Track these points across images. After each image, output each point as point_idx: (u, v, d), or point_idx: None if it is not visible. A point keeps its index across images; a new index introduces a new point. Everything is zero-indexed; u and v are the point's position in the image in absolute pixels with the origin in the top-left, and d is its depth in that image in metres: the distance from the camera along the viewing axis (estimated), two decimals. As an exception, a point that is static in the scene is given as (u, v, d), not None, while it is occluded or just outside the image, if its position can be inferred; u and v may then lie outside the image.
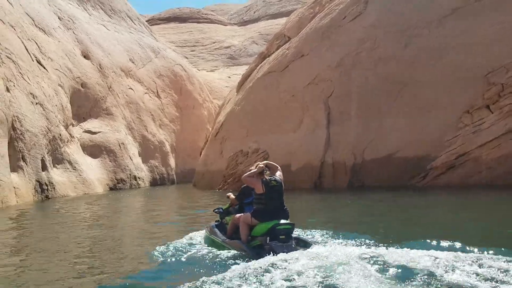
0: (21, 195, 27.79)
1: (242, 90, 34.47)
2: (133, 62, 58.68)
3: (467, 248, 8.05)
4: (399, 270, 6.54)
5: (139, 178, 49.22)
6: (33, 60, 36.20)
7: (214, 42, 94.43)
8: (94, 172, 41.38)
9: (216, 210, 10.29)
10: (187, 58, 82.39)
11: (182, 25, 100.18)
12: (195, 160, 60.16)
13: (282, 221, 8.33)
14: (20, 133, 29.50)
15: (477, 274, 6.29)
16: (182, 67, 66.54)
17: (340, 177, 24.57)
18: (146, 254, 9.71)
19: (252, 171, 8.94)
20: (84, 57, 48.88)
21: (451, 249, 8.05)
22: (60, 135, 35.97)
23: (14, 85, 30.82)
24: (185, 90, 63.81)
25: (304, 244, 8.48)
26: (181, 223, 16.61)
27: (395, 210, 16.53)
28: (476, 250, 7.88)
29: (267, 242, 8.13)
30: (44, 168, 31.84)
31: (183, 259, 8.71)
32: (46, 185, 31.46)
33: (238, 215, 9.14)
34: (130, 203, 28.57)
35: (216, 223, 10.13)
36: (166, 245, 9.95)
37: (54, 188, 32.32)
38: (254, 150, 29.19)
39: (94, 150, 43.99)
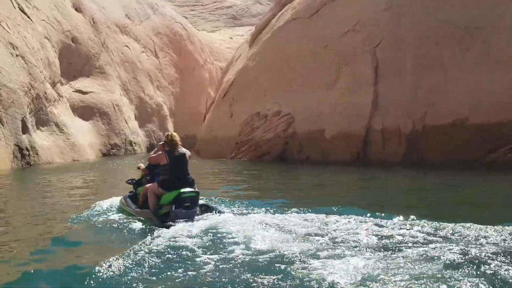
0: (-4, 161, 23.44)
1: (257, 43, 29.84)
2: (129, 18, 54.07)
3: None
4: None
5: (135, 143, 45.07)
6: (14, 7, 31.47)
7: (215, 2, 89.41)
8: (85, 136, 37.01)
9: (129, 181, 10.48)
10: (186, 18, 77.48)
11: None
12: (195, 126, 56.44)
13: (187, 189, 8.59)
14: (-5, 88, 24.98)
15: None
16: (182, 26, 61.86)
17: (392, 148, 19.73)
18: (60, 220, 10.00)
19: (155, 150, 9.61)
20: (76, 9, 44.18)
21: None
22: (46, 93, 31.43)
23: (-11, 32, 26.18)
24: (185, 50, 59.35)
25: (211, 211, 8.78)
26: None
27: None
28: None
29: (173, 210, 8.37)
30: (25, 130, 27.38)
31: (91, 230, 8.71)
32: (27, 150, 27.06)
33: (148, 185, 9.35)
34: (122, 171, 24.21)
35: (130, 194, 10.23)
36: (76, 212, 10.01)
37: (37, 154, 27.94)
38: (275, 112, 24.73)
39: (85, 111, 39.74)
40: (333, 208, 9.19)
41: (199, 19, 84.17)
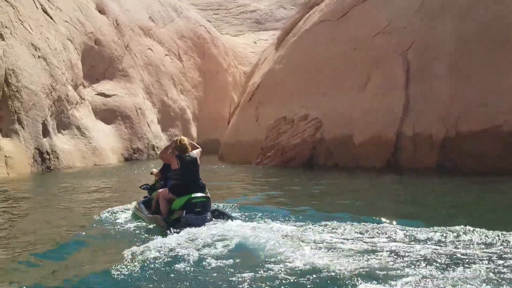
0: (15, 165, 22.83)
1: (283, 46, 28.82)
2: (153, 21, 53.49)
3: None
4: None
5: (157, 148, 44.22)
6: (37, 8, 30.99)
7: (239, 6, 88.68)
8: (107, 140, 36.38)
9: (143, 187, 10.43)
10: (210, 21, 76.92)
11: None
12: (218, 130, 55.64)
13: (198, 194, 8.49)
14: (15, 89, 24.41)
15: None
16: (206, 29, 61.18)
17: (425, 155, 18.39)
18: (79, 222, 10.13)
19: (166, 146, 9.44)
20: (99, 11, 43.67)
21: None
22: (68, 95, 30.85)
23: (10, 33, 25.63)
24: (209, 54, 58.60)
25: (223, 217, 8.69)
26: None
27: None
28: None
29: (183, 215, 8.30)
30: (46, 133, 26.78)
31: (101, 235, 8.59)
32: (48, 154, 26.45)
33: (160, 190, 9.29)
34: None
35: (144, 199, 10.16)
36: (89, 217, 10.19)
37: (58, 158, 27.31)
38: (302, 117, 23.63)
39: (107, 115, 39.05)
40: (366, 217, 8.70)
41: (223, 23, 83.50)
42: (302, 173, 20.59)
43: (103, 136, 35.89)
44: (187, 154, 8.72)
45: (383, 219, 8.45)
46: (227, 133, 35.52)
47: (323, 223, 7.98)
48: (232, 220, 8.37)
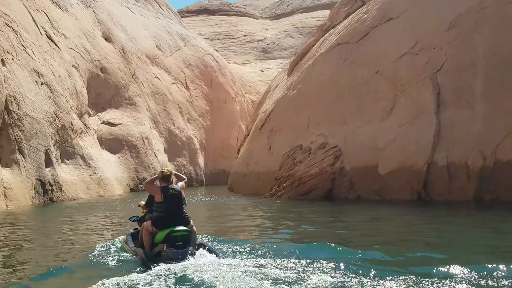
0: (14, 197, 21.41)
1: (297, 71, 27.54)
2: (159, 49, 52.71)
3: None
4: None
5: (164, 178, 42.78)
6: (41, 34, 29.96)
7: (245, 35, 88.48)
8: (113, 170, 35.04)
9: (132, 219, 10.17)
10: (217, 51, 76.34)
11: (212, 17, 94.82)
12: (226, 160, 54.47)
13: (179, 228, 8.27)
14: (16, 117, 23.13)
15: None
16: (213, 57, 60.31)
17: (460, 186, 16.57)
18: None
19: (153, 177, 9.20)
20: (105, 39, 42.87)
21: None
22: (72, 124, 29.58)
23: (12, 58, 24.46)
24: (216, 82, 57.62)
25: (208, 251, 8.36)
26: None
27: None
28: None
29: (164, 249, 8.13)
30: (48, 163, 25.45)
31: (84, 267, 8.49)
32: (50, 185, 25.08)
33: (145, 222, 9.00)
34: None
35: (133, 231, 9.98)
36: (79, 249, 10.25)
37: (61, 189, 25.91)
38: (320, 145, 22.10)
39: (113, 144, 37.86)
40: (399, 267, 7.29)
41: (230, 52, 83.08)
42: (321, 206, 18.91)
43: (109, 166, 34.56)
44: (171, 187, 8.52)
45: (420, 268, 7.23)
46: (237, 163, 34.14)
47: (330, 265, 7.33)
48: (217, 256, 8.18)
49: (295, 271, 7.09)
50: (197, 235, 8.99)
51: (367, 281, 6.46)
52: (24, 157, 23.13)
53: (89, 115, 35.99)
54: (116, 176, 34.82)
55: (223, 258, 8.14)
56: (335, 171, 20.97)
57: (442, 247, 9.42)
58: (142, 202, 10.13)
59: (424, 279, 6.46)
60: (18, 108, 23.33)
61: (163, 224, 8.34)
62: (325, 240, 9.88)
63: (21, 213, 19.02)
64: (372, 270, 6.98)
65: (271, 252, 8.76)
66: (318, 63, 24.95)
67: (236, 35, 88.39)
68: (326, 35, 26.51)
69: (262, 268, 7.21)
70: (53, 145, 26.63)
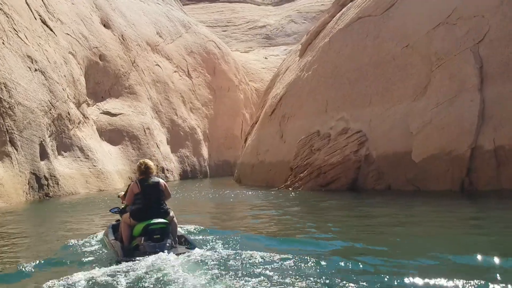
0: (5, 193, 19.46)
1: (311, 51, 25.41)
2: (160, 36, 50.72)
3: None
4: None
5: (167, 170, 41.13)
6: (35, 18, 27.91)
7: (247, 22, 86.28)
8: (113, 162, 33.09)
9: (114, 211, 9.47)
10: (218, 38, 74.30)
11: (212, 4, 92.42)
12: (230, 150, 52.65)
13: (157, 220, 7.93)
14: (8, 106, 21.14)
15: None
16: (215, 44, 58.28)
17: (509, 174, 14.26)
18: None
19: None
20: (104, 25, 40.81)
21: None
22: (69, 114, 27.59)
23: (3, 43, 22.47)
24: (219, 70, 55.64)
25: (188, 244, 8.18)
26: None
27: None
28: None
29: (141, 242, 7.76)
30: (43, 156, 23.49)
31: (61, 260, 8.08)
32: (46, 179, 23.12)
33: (124, 214, 8.57)
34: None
35: (115, 223, 9.52)
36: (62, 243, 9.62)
37: (58, 183, 23.96)
38: (341, 131, 20.02)
39: (113, 135, 35.93)
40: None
41: (232, 39, 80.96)
42: (346, 197, 16.96)
43: (109, 158, 32.62)
44: (149, 178, 8.24)
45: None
46: (245, 153, 32.16)
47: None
48: (195, 248, 7.81)
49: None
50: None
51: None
52: (16, 150, 21.18)
53: (88, 105, 34.02)
54: (117, 169, 32.88)
55: (204, 251, 7.64)
56: (359, 159, 18.87)
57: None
58: (122, 193, 9.57)
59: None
60: (9, 96, 21.34)
61: (141, 216, 8.00)
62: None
63: (10, 211, 17.07)
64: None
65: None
66: (335, 40, 22.78)
67: (238, 22, 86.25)
68: (343, 9, 24.35)
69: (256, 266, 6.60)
70: (49, 136, 24.67)
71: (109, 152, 33.75)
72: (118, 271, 6.63)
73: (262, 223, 12.12)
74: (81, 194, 25.25)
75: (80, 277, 6.46)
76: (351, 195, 17.57)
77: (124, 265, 6.93)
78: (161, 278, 6.23)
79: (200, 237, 9.41)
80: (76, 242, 9.49)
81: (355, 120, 19.81)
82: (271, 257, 6.88)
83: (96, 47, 37.05)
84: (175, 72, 49.65)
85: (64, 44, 31.13)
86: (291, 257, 6.84)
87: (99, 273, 6.60)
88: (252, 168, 28.83)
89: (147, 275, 6.39)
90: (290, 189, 21.22)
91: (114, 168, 32.41)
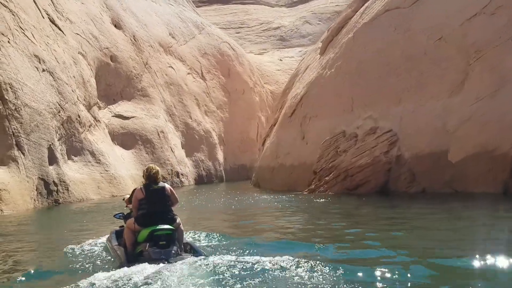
0: (12, 200, 18.26)
1: (334, 47, 24.02)
2: (173, 37, 49.54)
3: None
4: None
5: (182, 174, 39.81)
6: (43, 17, 26.81)
7: (261, 23, 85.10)
8: (126, 166, 31.84)
9: (117, 216, 9.63)
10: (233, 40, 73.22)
11: (225, 6, 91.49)
12: (246, 154, 51.33)
13: (163, 226, 7.73)
14: (13, 108, 19.98)
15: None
16: (229, 45, 57.06)
17: None
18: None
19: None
20: (115, 26, 39.67)
21: None
22: (79, 116, 26.41)
23: (8, 41, 21.31)
24: (234, 72, 54.34)
25: (194, 251, 7.96)
26: None
27: None
28: None
29: (146, 248, 7.58)
30: (52, 160, 22.31)
31: (64, 265, 8.11)
32: (55, 185, 21.92)
33: (129, 220, 8.39)
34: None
35: (118, 229, 9.42)
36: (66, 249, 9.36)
37: (67, 189, 22.75)
38: (369, 130, 18.61)
39: (126, 139, 34.71)
40: None
41: (245, 41, 79.74)
42: (380, 202, 15.54)
43: (122, 163, 31.38)
44: (155, 183, 8.06)
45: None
46: (263, 156, 30.76)
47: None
48: (202, 255, 7.52)
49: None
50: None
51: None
52: (23, 154, 19.98)
53: (99, 108, 32.88)
54: (130, 174, 31.62)
55: (212, 258, 7.22)
56: (390, 160, 17.43)
57: None
58: (127, 196, 9.38)
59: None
60: (15, 97, 20.18)
61: (146, 222, 7.82)
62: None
63: (16, 219, 15.82)
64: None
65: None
66: (361, 35, 21.39)
67: (252, 24, 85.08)
68: (367, 3, 22.94)
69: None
70: (58, 140, 23.48)
71: (121, 156, 32.55)
72: (121, 277, 6.44)
73: (296, 230, 11.33)
74: (93, 200, 24.02)
75: (83, 284, 6.28)
76: (384, 199, 16.14)
77: (127, 271, 6.69)
78: (165, 285, 6.03)
79: (223, 243, 9.14)
80: (78, 248, 9.33)
81: (384, 119, 18.41)
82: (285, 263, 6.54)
83: (107, 48, 35.97)
84: (188, 74, 48.47)
85: (74, 44, 30.01)
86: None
87: (102, 279, 6.41)
88: (271, 171, 27.44)
89: (151, 282, 6.16)
90: (316, 193, 19.78)
91: (127, 172, 31.17)
